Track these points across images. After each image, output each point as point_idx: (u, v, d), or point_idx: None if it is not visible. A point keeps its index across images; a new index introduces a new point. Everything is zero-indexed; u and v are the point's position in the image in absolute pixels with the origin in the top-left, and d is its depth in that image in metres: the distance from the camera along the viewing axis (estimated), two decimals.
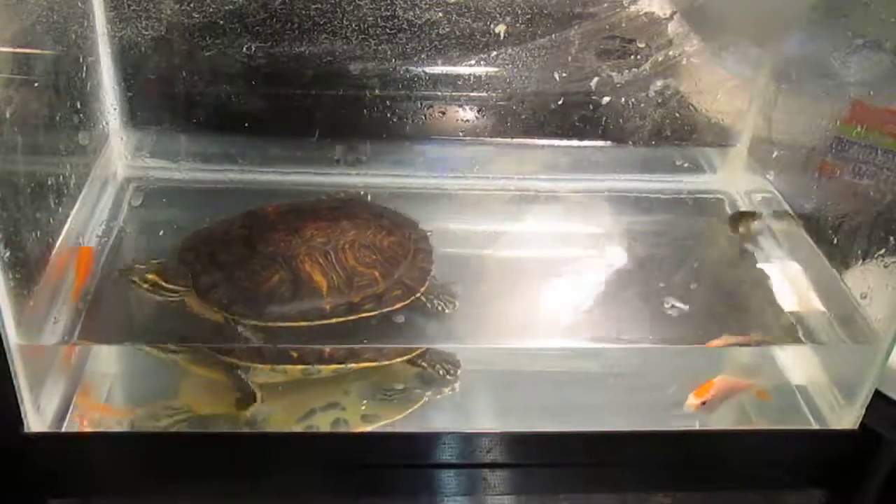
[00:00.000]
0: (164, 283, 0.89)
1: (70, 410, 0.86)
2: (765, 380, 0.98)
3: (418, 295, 0.91)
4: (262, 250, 0.91)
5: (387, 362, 0.90)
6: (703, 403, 0.89)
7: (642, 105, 1.05)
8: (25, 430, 0.81)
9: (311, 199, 1.03)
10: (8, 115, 0.77)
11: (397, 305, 0.90)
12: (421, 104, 1.03)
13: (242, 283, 0.88)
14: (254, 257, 0.90)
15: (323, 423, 0.88)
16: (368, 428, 0.88)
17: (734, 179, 1.15)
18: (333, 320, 0.88)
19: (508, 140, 1.08)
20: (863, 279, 0.90)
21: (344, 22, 0.94)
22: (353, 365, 0.90)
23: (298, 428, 0.88)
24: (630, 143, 1.09)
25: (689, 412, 0.89)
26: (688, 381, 0.94)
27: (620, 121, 1.06)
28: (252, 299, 0.87)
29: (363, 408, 0.90)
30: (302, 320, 0.87)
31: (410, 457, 0.88)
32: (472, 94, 1.03)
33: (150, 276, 0.89)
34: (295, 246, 0.91)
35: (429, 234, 0.98)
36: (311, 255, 0.90)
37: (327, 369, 0.89)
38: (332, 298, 0.88)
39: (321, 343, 0.88)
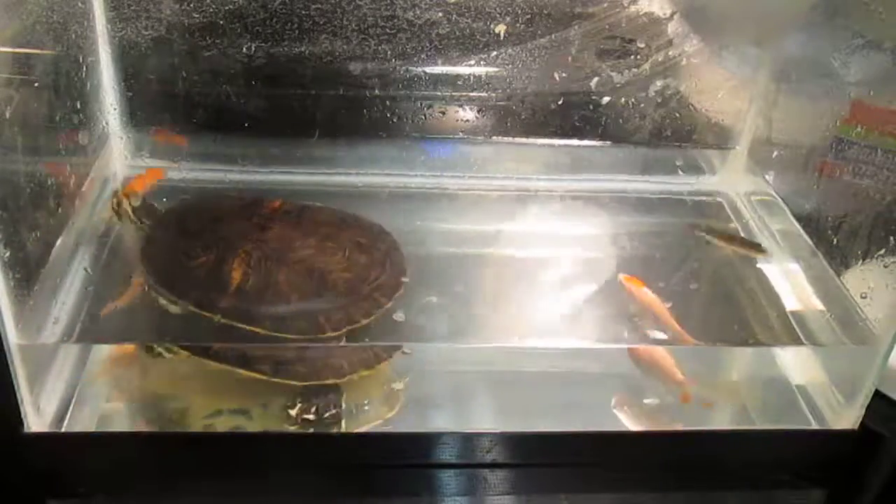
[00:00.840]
0: (129, 210, 0.94)
1: (70, 410, 0.86)
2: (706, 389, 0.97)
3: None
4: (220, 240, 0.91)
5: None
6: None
7: (642, 105, 1.05)
8: (25, 430, 0.81)
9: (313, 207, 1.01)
10: (8, 115, 0.77)
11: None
12: (421, 104, 1.03)
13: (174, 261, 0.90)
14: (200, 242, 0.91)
15: (222, 427, 0.87)
16: None
17: (734, 180, 1.15)
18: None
19: (508, 140, 1.08)
20: (863, 279, 0.90)
21: (344, 22, 0.94)
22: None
23: (198, 426, 0.87)
24: (630, 143, 1.09)
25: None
26: (688, 380, 0.94)
27: (620, 121, 1.06)
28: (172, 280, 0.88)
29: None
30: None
31: (410, 457, 0.88)
32: (472, 94, 1.03)
33: (122, 199, 0.93)
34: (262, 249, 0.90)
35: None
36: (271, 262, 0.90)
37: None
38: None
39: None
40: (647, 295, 0.94)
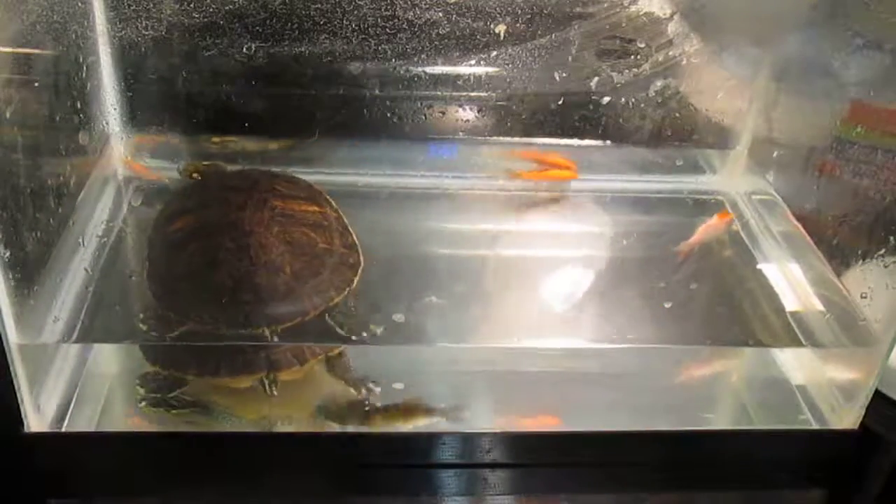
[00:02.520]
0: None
1: (70, 410, 0.86)
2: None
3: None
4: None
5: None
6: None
7: (642, 105, 1.05)
8: (25, 430, 0.81)
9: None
10: (8, 116, 0.77)
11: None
12: (421, 104, 1.03)
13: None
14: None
15: None
16: None
17: (734, 180, 1.15)
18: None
19: (509, 140, 1.08)
20: (863, 279, 0.90)
21: (344, 22, 0.94)
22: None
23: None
24: (630, 143, 1.09)
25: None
26: (686, 380, 0.94)
27: (620, 121, 1.06)
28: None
29: None
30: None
31: (410, 457, 0.88)
32: (472, 94, 1.03)
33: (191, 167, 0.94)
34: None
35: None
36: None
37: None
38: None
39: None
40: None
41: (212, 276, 0.86)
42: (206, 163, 1.02)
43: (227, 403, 0.88)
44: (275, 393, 0.86)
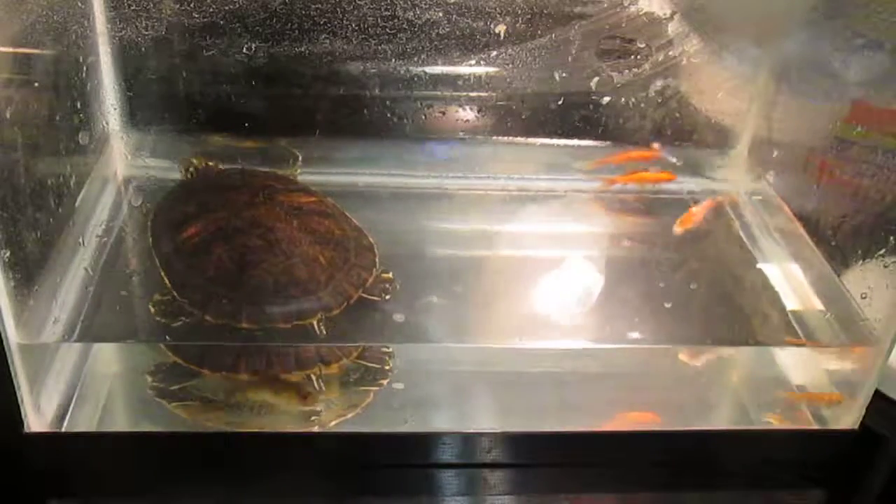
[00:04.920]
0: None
1: (70, 410, 0.86)
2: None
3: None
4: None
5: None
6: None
7: (642, 105, 1.05)
8: (25, 430, 0.81)
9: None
10: (8, 115, 0.77)
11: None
12: (421, 104, 1.03)
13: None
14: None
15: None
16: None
17: (734, 180, 1.14)
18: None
19: (508, 140, 1.08)
20: (863, 279, 0.90)
21: (344, 22, 0.94)
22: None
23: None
24: (630, 143, 1.09)
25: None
26: (686, 379, 0.94)
27: (620, 121, 1.06)
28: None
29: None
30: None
31: (410, 457, 0.88)
32: (472, 94, 1.03)
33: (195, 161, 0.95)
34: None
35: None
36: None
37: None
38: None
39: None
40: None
41: (250, 276, 0.87)
42: (205, 160, 1.03)
43: (235, 396, 0.89)
44: (322, 388, 0.87)
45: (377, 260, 0.93)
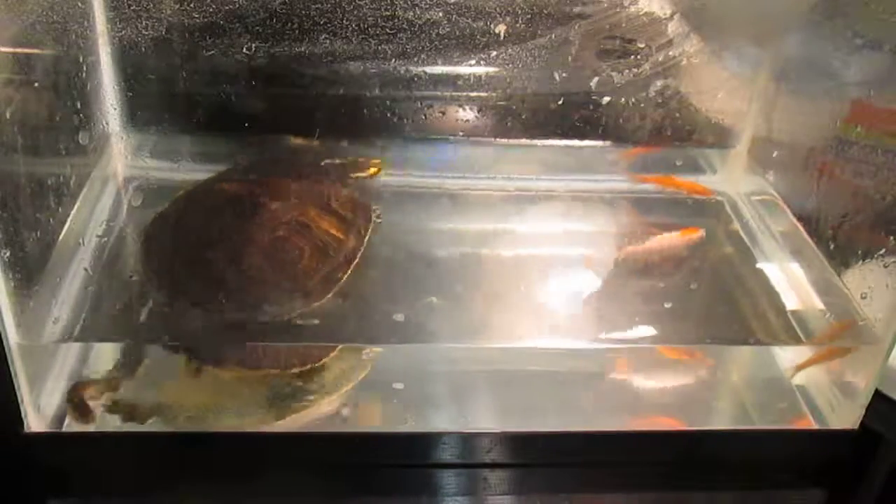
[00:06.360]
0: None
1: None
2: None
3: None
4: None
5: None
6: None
7: (642, 105, 1.05)
8: (25, 430, 0.81)
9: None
10: (8, 116, 0.77)
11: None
12: (421, 104, 1.03)
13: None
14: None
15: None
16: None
17: (734, 180, 1.15)
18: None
19: (508, 140, 1.08)
20: (863, 279, 0.90)
21: (344, 22, 0.94)
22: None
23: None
24: (630, 143, 1.09)
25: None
26: (686, 379, 0.94)
27: (620, 121, 1.06)
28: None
29: None
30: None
31: (410, 457, 0.88)
32: (472, 94, 1.03)
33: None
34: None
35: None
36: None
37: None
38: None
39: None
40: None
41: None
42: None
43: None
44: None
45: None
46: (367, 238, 0.95)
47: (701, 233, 1.05)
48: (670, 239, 1.03)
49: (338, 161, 1.05)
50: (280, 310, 0.88)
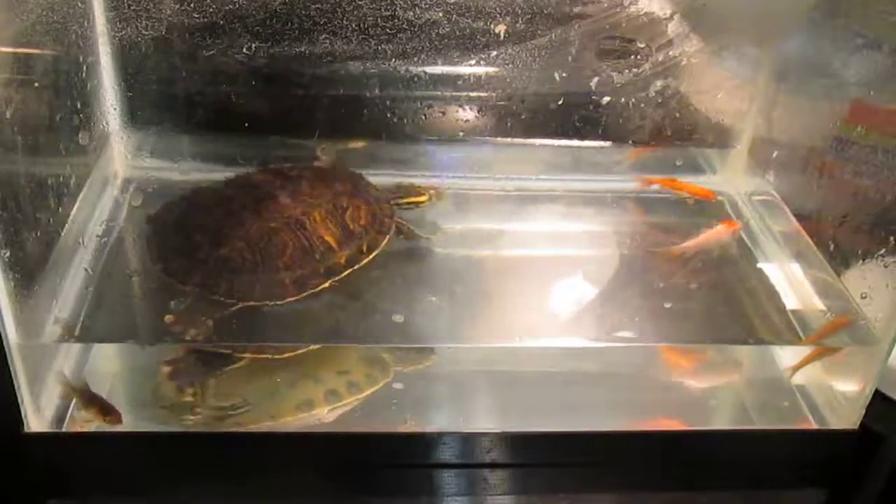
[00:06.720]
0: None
1: (70, 410, 0.86)
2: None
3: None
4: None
5: None
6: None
7: (642, 105, 1.05)
8: (25, 430, 0.81)
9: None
10: (8, 116, 0.77)
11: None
12: (421, 104, 1.03)
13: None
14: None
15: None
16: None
17: (734, 179, 1.15)
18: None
19: (508, 140, 1.08)
20: (863, 279, 0.90)
21: (344, 22, 0.94)
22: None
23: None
24: (630, 143, 1.09)
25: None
26: (685, 379, 0.94)
27: (620, 121, 1.06)
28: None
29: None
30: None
31: (410, 457, 0.88)
32: (472, 94, 1.03)
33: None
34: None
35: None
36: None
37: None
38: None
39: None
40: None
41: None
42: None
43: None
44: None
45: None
46: (369, 257, 0.94)
47: (739, 224, 1.06)
48: (717, 233, 1.04)
49: (396, 183, 1.05)
50: (244, 298, 0.88)
